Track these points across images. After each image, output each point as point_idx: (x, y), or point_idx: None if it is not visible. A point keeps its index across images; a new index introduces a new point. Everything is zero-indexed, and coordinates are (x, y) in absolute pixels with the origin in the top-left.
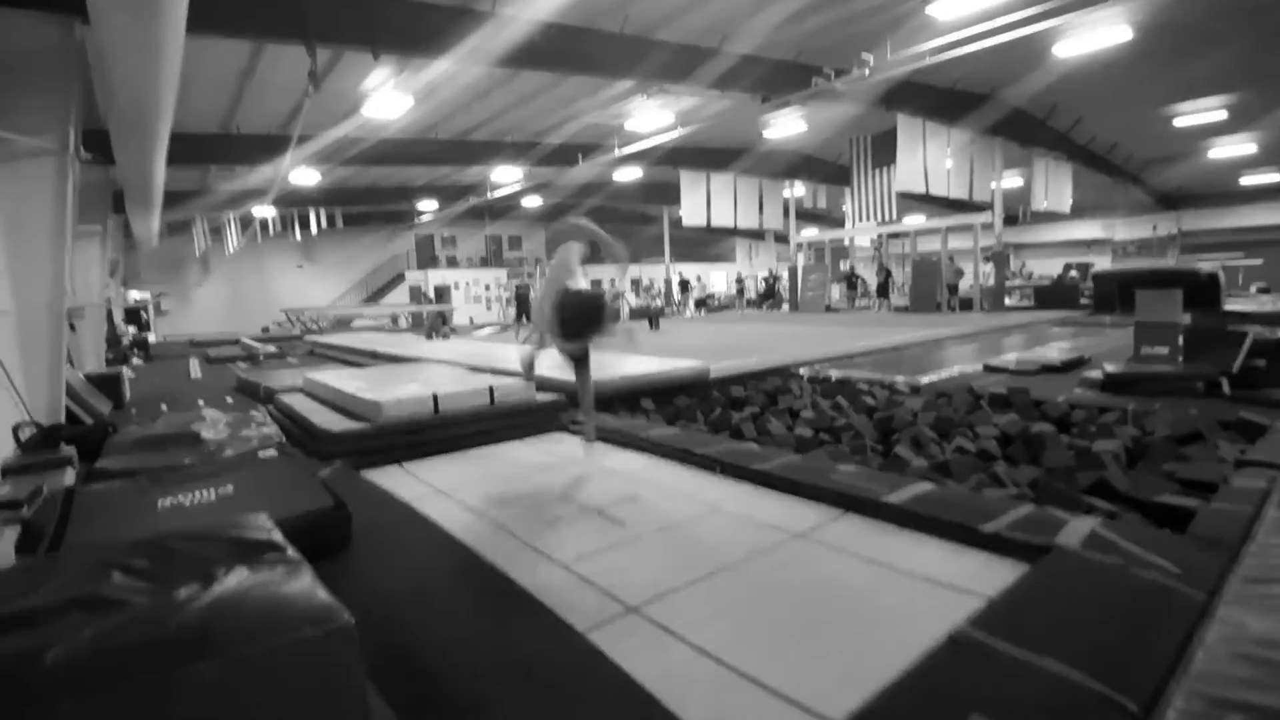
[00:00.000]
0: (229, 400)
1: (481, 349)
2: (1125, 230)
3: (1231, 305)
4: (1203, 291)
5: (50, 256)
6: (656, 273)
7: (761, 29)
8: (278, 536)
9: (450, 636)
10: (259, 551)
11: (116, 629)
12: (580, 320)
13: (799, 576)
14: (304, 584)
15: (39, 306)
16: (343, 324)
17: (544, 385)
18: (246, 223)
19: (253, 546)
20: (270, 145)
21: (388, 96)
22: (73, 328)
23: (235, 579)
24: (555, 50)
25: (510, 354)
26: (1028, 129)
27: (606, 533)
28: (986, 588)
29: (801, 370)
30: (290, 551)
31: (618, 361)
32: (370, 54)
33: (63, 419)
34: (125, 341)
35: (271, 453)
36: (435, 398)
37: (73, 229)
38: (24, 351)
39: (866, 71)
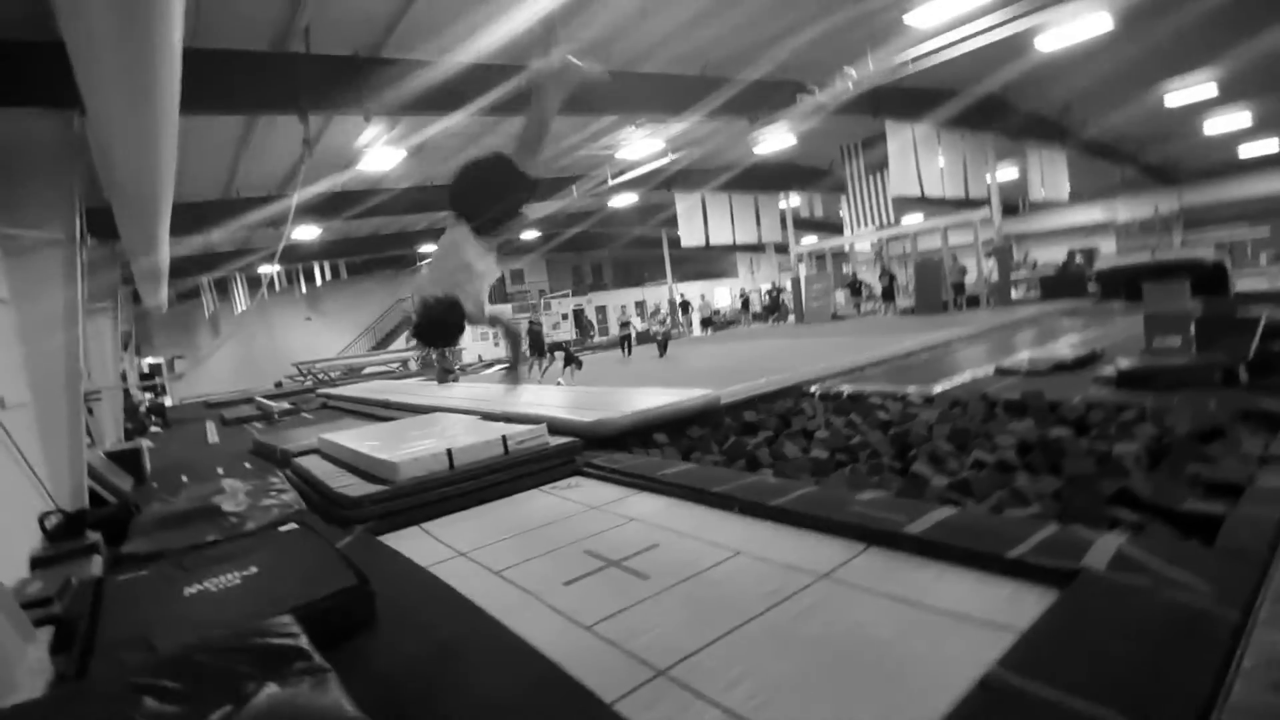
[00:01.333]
0: (247, 465)
1: (492, 391)
2: (1127, 211)
3: (1243, 283)
4: (1210, 277)
5: (65, 344)
6: (660, 295)
7: (743, 52)
8: (304, 642)
9: None
10: (286, 661)
11: None
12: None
13: (825, 624)
14: (331, 699)
15: (57, 394)
16: (354, 372)
17: (556, 428)
18: (253, 281)
19: (279, 655)
20: (270, 206)
21: (381, 151)
22: (90, 411)
23: (264, 696)
24: None
25: (521, 395)
26: (1017, 121)
27: (629, 588)
28: (1016, 619)
29: (813, 388)
30: (316, 659)
31: (628, 397)
32: (362, 117)
33: (86, 502)
34: (142, 410)
35: (292, 525)
36: (450, 453)
37: (84, 309)
38: (45, 440)
39: (850, 85)
